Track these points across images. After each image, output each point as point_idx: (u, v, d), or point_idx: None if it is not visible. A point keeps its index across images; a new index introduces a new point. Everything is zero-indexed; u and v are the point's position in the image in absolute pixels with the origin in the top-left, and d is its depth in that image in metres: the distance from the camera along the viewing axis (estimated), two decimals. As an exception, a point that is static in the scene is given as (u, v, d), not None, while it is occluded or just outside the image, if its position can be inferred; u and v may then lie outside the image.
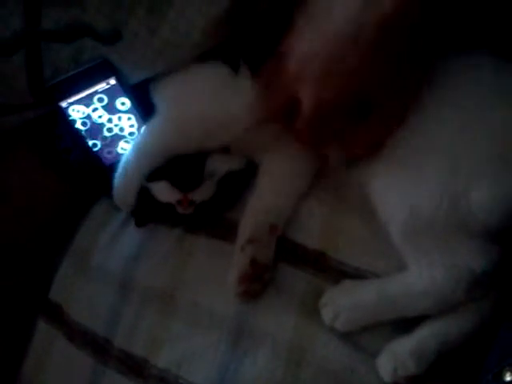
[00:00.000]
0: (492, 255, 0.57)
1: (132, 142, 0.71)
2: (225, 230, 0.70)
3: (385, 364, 0.60)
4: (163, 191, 0.67)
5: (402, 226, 0.59)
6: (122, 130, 0.71)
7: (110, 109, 0.69)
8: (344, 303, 0.62)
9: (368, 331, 0.63)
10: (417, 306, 0.60)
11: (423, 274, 0.59)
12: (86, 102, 0.68)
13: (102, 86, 0.67)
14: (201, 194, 0.67)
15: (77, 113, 0.68)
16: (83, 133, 0.70)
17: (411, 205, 0.58)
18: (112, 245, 0.75)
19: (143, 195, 0.68)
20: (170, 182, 0.66)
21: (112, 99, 0.68)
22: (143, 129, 0.69)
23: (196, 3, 0.60)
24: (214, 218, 0.71)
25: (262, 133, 0.66)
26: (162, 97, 0.68)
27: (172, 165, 0.66)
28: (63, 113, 0.68)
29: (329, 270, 0.65)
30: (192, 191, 0.66)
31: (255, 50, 0.64)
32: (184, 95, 0.67)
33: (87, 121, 0.69)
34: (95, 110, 0.69)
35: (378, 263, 0.64)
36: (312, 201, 0.68)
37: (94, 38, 0.63)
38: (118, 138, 0.72)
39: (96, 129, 0.71)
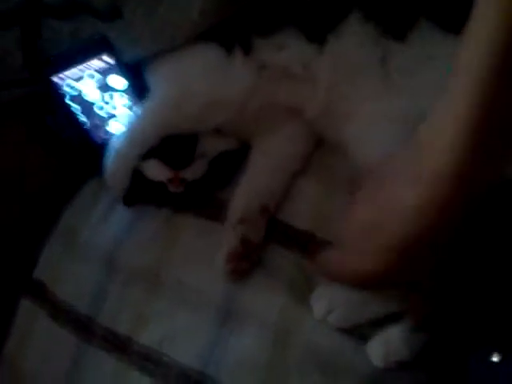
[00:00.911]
0: None
1: (125, 123, 0.71)
2: (214, 210, 0.70)
3: (376, 348, 0.60)
4: (154, 169, 0.67)
5: None
6: (113, 108, 0.71)
7: (102, 86, 0.69)
8: (339, 298, 0.61)
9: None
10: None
11: None
12: (79, 77, 0.68)
13: (96, 62, 0.67)
14: (192, 173, 0.67)
15: (69, 89, 0.68)
16: (74, 109, 0.70)
17: None
18: (100, 224, 0.75)
19: (134, 174, 0.68)
20: (162, 160, 0.67)
21: (105, 76, 0.68)
22: (137, 109, 0.69)
23: None
24: (204, 198, 0.71)
25: (255, 114, 0.67)
26: (156, 77, 0.68)
27: (164, 143, 0.67)
28: (55, 88, 0.68)
29: (315, 249, 0.66)
30: (183, 169, 0.66)
31: (251, 31, 0.64)
32: (179, 75, 0.67)
33: (79, 97, 0.69)
34: (86, 86, 0.68)
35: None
36: (303, 182, 0.69)
37: (92, 15, 0.63)
38: (109, 116, 0.72)
39: (87, 106, 0.70)
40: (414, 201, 0.40)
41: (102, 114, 0.71)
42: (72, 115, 0.70)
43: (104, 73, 0.68)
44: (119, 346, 0.68)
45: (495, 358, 0.52)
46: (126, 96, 0.70)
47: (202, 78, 0.66)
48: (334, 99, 0.63)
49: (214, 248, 0.67)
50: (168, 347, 0.66)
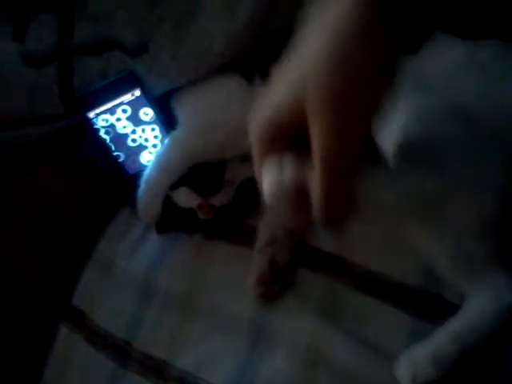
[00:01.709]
0: None
1: (154, 154, 0.73)
2: (244, 236, 0.72)
3: (404, 369, 0.59)
4: (184, 197, 0.70)
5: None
6: (146, 140, 0.74)
7: (135, 120, 0.73)
8: (421, 360, 0.59)
9: (384, 333, 0.64)
10: (492, 328, 0.58)
11: (485, 297, 0.59)
12: (112, 112, 0.71)
13: (127, 97, 0.71)
14: (220, 200, 0.69)
15: (103, 123, 0.72)
16: (108, 142, 0.74)
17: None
18: (134, 251, 0.77)
19: (165, 202, 0.71)
20: (191, 188, 0.69)
21: (136, 110, 0.72)
22: (165, 141, 0.72)
23: (217, 19, 0.64)
24: (233, 224, 0.73)
25: None
26: (182, 108, 0.71)
27: (192, 171, 0.69)
28: (90, 123, 0.72)
29: (345, 272, 0.67)
30: (212, 196, 0.69)
31: (269, 60, 0.66)
32: (204, 106, 0.70)
33: (112, 131, 0.73)
34: (119, 120, 0.72)
35: (393, 265, 0.66)
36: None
37: (121, 51, 0.66)
38: (142, 148, 0.75)
39: (120, 139, 0.74)
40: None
41: (135, 146, 0.75)
42: (106, 148, 0.74)
43: (134, 107, 0.71)
44: (155, 370, 0.70)
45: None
46: (157, 128, 0.73)
47: (225, 107, 0.68)
48: None
49: (245, 273, 0.68)
50: (203, 371, 0.68)
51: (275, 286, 0.67)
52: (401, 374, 0.59)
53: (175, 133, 0.71)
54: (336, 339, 0.64)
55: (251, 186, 0.71)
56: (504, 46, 0.58)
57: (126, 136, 0.74)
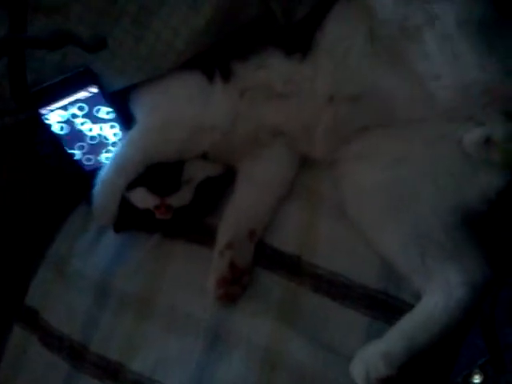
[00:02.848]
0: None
1: (111, 153, 0.71)
2: (203, 236, 0.71)
3: (357, 367, 0.60)
4: (141, 198, 0.68)
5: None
6: (106, 138, 0.72)
7: (92, 117, 0.70)
8: (373, 357, 0.60)
9: (342, 334, 0.64)
10: (441, 325, 0.59)
11: (441, 290, 0.59)
12: (67, 109, 0.69)
13: (83, 94, 0.68)
14: (179, 199, 0.68)
15: (57, 119, 0.69)
16: (62, 139, 0.71)
17: None
18: (90, 251, 0.76)
19: (122, 202, 0.69)
20: (148, 188, 0.67)
21: (92, 107, 0.69)
22: (123, 138, 0.70)
23: (180, 14, 0.63)
24: (192, 224, 0.72)
25: (240, 139, 0.68)
26: (140, 105, 0.69)
27: (149, 171, 0.67)
28: (44, 119, 0.69)
29: (304, 274, 0.67)
30: (169, 196, 0.67)
31: (231, 59, 0.66)
32: (162, 104, 0.68)
33: (68, 127, 0.70)
34: (75, 117, 0.70)
35: (354, 267, 0.66)
36: (290, 206, 0.70)
37: (78, 46, 0.64)
38: (101, 145, 0.73)
39: (77, 136, 0.71)
40: None
41: (94, 143, 0.72)
42: (60, 145, 0.72)
43: (91, 104, 0.69)
44: (111, 373, 0.69)
45: (477, 380, 0.52)
46: (116, 126, 0.71)
47: (184, 105, 0.67)
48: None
49: (204, 273, 0.67)
50: (160, 373, 0.67)
51: (235, 288, 0.66)
52: (355, 373, 0.60)
53: (132, 132, 0.69)
54: (295, 340, 0.64)
55: (211, 186, 0.70)
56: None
57: (83, 133, 0.71)
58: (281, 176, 0.70)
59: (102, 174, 0.67)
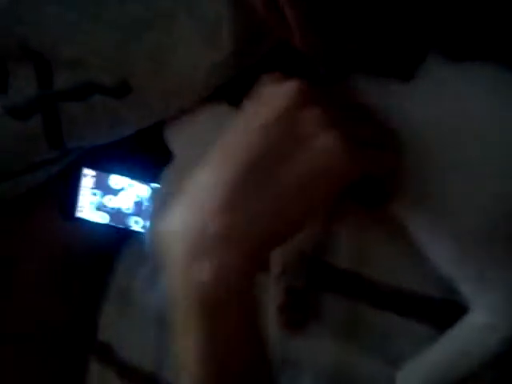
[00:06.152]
0: None
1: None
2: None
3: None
4: None
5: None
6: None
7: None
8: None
9: (409, 349, 0.62)
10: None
11: (485, 306, 0.56)
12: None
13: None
14: None
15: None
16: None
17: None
18: (150, 281, 0.76)
19: None
20: None
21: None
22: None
23: (199, 50, 0.61)
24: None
25: None
26: (175, 141, 0.69)
27: None
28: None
29: (362, 289, 0.65)
30: None
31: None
32: (196, 136, 0.68)
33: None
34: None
35: (411, 279, 0.63)
36: (338, 222, 0.68)
37: (103, 94, 0.64)
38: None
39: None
40: None
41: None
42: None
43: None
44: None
45: None
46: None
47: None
48: None
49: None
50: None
51: (297, 313, 0.66)
52: None
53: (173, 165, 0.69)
54: (363, 358, 0.63)
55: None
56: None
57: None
58: None
59: None
